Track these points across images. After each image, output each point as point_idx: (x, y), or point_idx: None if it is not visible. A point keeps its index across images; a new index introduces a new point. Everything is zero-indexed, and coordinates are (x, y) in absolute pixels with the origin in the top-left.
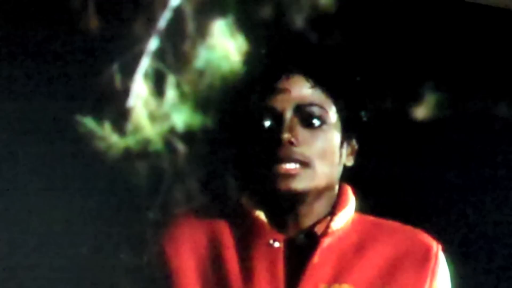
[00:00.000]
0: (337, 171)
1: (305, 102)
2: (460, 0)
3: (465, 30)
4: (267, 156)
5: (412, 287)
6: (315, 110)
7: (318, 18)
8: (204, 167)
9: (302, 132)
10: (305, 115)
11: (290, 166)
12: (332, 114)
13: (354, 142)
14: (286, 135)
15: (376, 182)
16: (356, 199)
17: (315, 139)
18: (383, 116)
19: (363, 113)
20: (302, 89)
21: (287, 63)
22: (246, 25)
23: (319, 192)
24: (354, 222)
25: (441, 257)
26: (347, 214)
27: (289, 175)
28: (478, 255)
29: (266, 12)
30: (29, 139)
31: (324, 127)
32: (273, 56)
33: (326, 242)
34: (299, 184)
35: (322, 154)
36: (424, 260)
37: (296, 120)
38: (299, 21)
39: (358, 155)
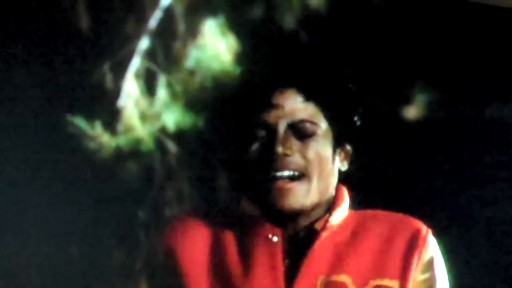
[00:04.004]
0: (333, 179)
1: (297, 118)
2: (451, 0)
3: (456, 30)
4: (262, 168)
5: (402, 270)
6: (307, 126)
7: (309, 19)
8: (195, 166)
9: (295, 143)
10: (297, 130)
11: (286, 173)
12: (324, 125)
13: (347, 147)
14: (280, 149)
15: (368, 181)
16: (350, 197)
17: (308, 148)
18: (374, 116)
19: (355, 118)
20: (295, 104)
21: (281, 78)
22: (237, 24)
23: (316, 205)
24: (347, 218)
25: (430, 240)
26: (343, 210)
27: (285, 191)
28: (469, 253)
29: (257, 12)
30: (19, 139)
31: (316, 137)
32: (267, 71)
33: (323, 236)
34: (295, 201)
35: (316, 161)
36: (413, 243)
37: (289, 133)
38: (290, 21)
39: (351, 155)
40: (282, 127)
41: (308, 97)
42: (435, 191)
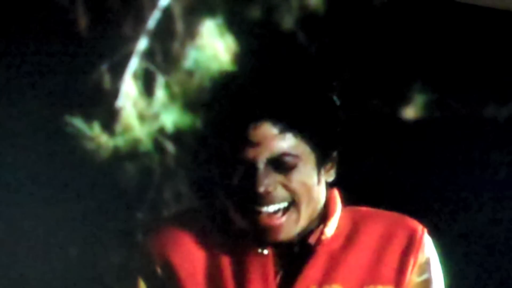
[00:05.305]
0: (321, 196)
1: (276, 153)
2: (448, 1)
3: (453, 31)
4: (245, 203)
5: (398, 272)
6: (287, 159)
7: (307, 19)
8: (193, 167)
9: (277, 177)
10: (278, 164)
11: (272, 208)
12: (305, 151)
13: (332, 155)
14: (262, 189)
15: (366, 180)
16: (346, 196)
17: (291, 181)
18: (373, 116)
19: (338, 130)
20: (272, 138)
21: (254, 112)
22: (235, 25)
23: (306, 227)
24: (341, 221)
25: (425, 240)
26: (337, 218)
27: (272, 227)
28: (466, 252)
29: (255, 12)
30: (17, 139)
31: (298, 168)
32: (239, 105)
33: (318, 249)
34: (283, 235)
35: (302, 190)
36: (409, 244)
37: (269, 167)
38: (288, 21)
39: (349, 154)
40: (261, 164)
41: (285, 128)
42: (433, 190)
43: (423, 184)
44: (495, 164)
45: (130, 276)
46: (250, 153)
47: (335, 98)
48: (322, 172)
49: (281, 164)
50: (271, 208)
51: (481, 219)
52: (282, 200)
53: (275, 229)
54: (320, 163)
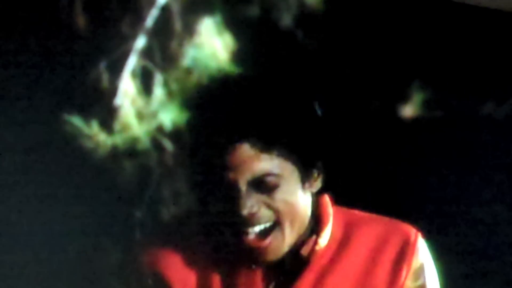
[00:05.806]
0: (307, 209)
1: (257, 174)
2: (446, 1)
3: (452, 30)
4: (230, 225)
5: (392, 278)
6: (269, 180)
7: (305, 17)
8: (191, 166)
9: (260, 198)
10: (260, 185)
11: (257, 229)
12: (288, 169)
13: (316, 166)
14: (245, 212)
15: (364, 179)
16: (342, 197)
17: (274, 201)
18: (370, 114)
19: (319, 141)
20: (251, 160)
21: (231, 135)
22: (234, 23)
23: (295, 242)
24: (333, 226)
25: (419, 245)
26: (330, 227)
27: (258, 249)
28: (464, 253)
29: (253, 10)
30: (16, 138)
31: (281, 187)
32: (217, 128)
33: (312, 261)
34: (272, 255)
35: (286, 210)
36: (402, 249)
37: (252, 188)
38: (286, 19)
39: (346, 153)
40: (243, 186)
41: (264, 148)
42: (430, 189)
43: (421, 183)
44: (493, 164)
45: (128, 275)
46: (231, 176)
47: (315, 108)
48: (307, 185)
49: (263, 185)
50: (256, 229)
51: (478, 219)
52: (267, 221)
53: (262, 250)
54: (304, 177)
